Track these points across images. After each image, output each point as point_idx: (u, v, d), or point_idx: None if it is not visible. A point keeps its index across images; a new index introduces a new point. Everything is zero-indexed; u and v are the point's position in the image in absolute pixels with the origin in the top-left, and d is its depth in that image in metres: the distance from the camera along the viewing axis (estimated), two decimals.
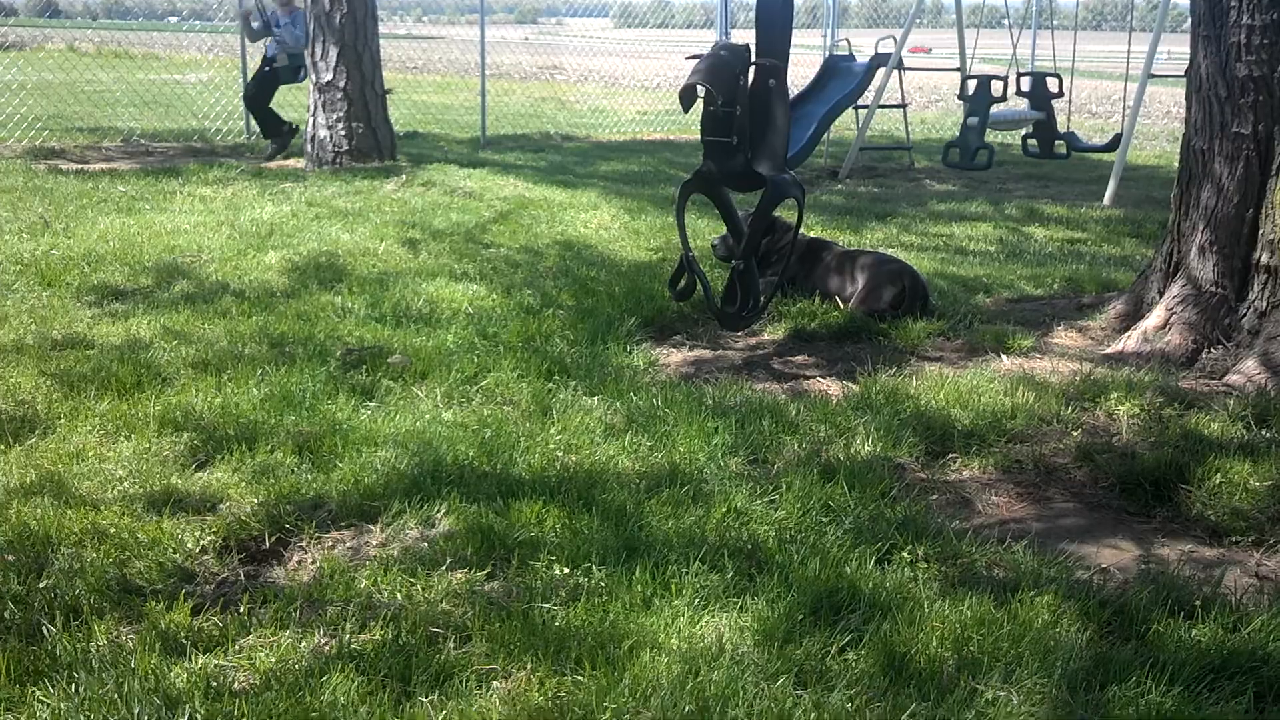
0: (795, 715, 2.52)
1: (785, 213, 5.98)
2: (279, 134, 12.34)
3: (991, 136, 12.02)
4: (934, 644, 2.82)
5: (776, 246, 6.03)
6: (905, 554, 3.30)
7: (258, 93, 12.35)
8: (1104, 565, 3.38)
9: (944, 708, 2.59)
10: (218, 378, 4.61)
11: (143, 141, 13.00)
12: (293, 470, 3.77)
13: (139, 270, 6.38)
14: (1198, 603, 3.05)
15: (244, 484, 3.65)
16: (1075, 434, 4.29)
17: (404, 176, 10.37)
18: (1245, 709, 2.62)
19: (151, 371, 4.66)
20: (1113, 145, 11.25)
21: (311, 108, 11.42)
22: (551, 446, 4.01)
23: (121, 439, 3.99)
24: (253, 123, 13.55)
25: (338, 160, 11.24)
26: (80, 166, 10.85)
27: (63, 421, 4.14)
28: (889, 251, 6.87)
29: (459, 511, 3.47)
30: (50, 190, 8.97)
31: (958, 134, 11.87)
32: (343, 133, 11.30)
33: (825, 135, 12.01)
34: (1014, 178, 12.39)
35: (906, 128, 13.98)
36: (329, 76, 11.22)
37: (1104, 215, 9.58)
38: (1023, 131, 12.34)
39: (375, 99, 11.53)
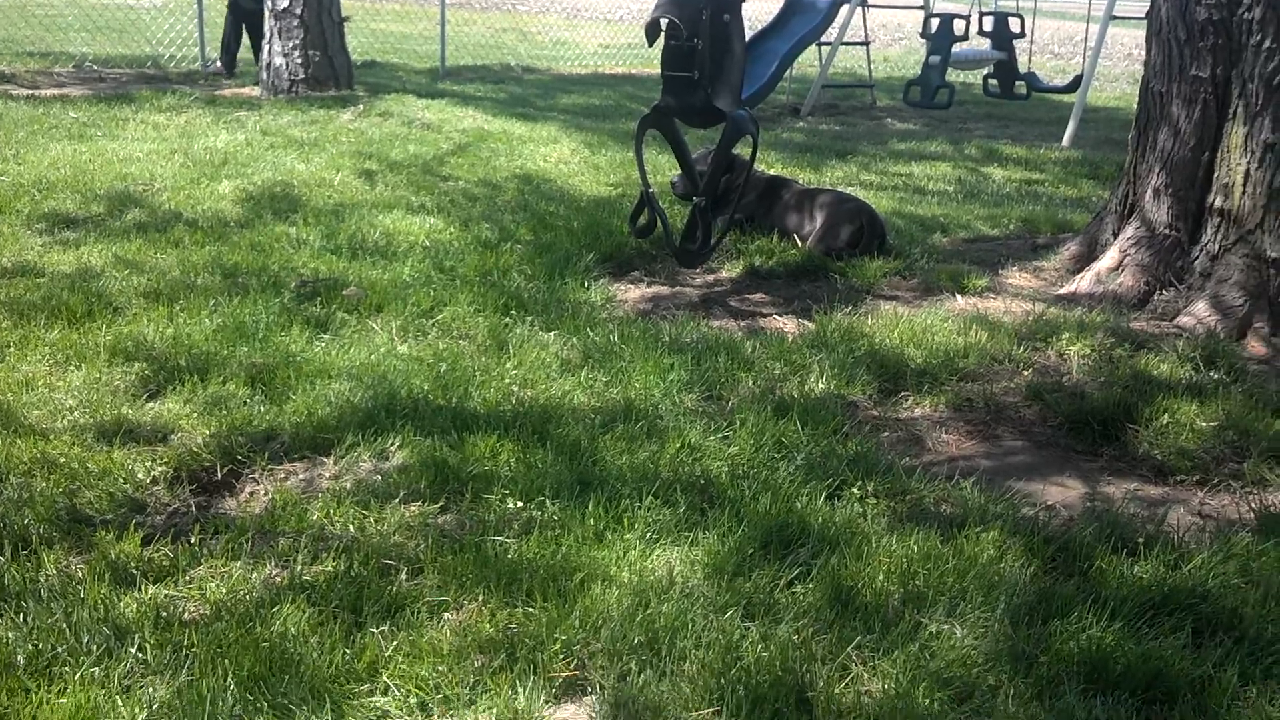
0: (743, 647, 2.56)
1: (740, 149, 5.96)
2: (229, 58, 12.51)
3: (953, 76, 12.00)
4: (880, 578, 2.86)
5: (734, 184, 6.00)
6: (855, 490, 3.33)
7: (251, 27, 12.38)
8: (1050, 502, 3.44)
9: (889, 640, 2.63)
10: (170, 308, 4.56)
11: (95, 67, 12.71)
12: (245, 402, 3.74)
13: (90, 198, 6.27)
14: (1141, 540, 3.11)
15: (196, 415, 3.62)
16: (1026, 373, 4.34)
17: (361, 106, 10.23)
18: (1184, 644, 2.68)
19: (103, 301, 4.60)
20: (1073, 86, 11.27)
21: (267, 35, 11.19)
22: (507, 381, 4.01)
23: (72, 368, 3.95)
24: (209, 50, 13.31)
25: (293, 89, 11.04)
26: (31, 92, 10.61)
27: (12, 350, 4.08)
28: (848, 190, 6.86)
29: (413, 445, 3.47)
30: (0, 116, 8.78)
31: (919, 72, 11.85)
32: (299, 60, 11.08)
33: (788, 72, 11.93)
34: (974, 117, 12.40)
35: (869, 65, 13.92)
36: (285, 3, 10.97)
37: (1062, 156, 9.61)
38: (984, 71, 12.33)
39: (332, 26, 11.30)
